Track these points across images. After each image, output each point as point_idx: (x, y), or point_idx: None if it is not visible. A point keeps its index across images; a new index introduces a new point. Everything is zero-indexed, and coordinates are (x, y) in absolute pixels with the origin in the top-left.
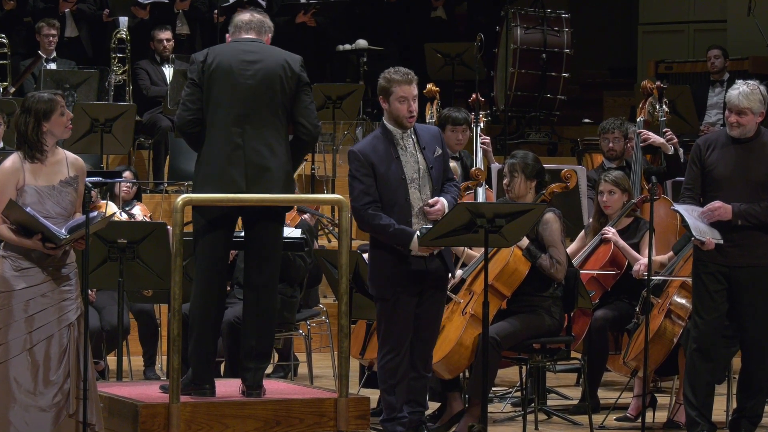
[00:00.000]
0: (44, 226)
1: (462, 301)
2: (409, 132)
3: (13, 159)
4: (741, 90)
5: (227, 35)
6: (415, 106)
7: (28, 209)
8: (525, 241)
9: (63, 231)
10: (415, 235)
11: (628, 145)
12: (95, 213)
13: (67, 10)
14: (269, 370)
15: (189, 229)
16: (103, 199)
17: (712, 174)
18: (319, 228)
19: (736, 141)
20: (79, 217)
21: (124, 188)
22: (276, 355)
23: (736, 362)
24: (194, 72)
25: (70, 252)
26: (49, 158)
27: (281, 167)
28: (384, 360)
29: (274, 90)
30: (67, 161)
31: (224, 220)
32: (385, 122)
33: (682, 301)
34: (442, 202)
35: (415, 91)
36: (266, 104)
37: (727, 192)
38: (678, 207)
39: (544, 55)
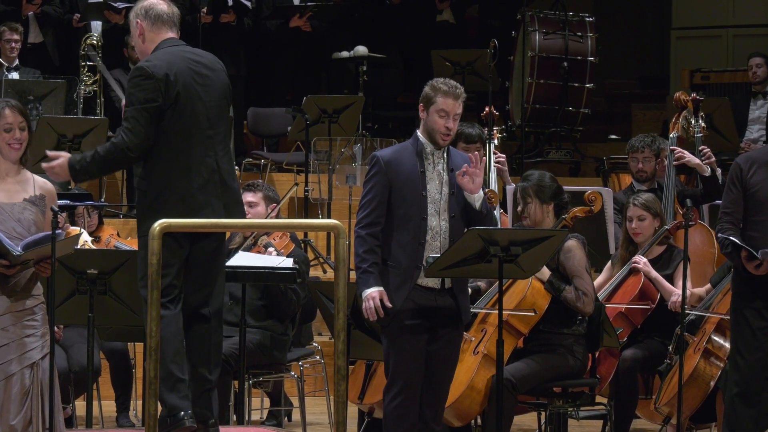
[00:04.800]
0: None
1: (474, 338)
2: (441, 150)
3: None
4: None
5: (139, 22)
6: (454, 125)
7: None
8: (546, 272)
9: (18, 247)
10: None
11: (660, 164)
12: (59, 231)
13: (31, 13)
14: (259, 415)
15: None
16: (73, 225)
17: (756, 197)
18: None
19: None
20: (39, 234)
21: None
22: (267, 400)
23: None
24: (155, 91)
25: (36, 283)
26: (11, 176)
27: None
28: (392, 403)
29: (227, 103)
30: (34, 183)
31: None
32: (418, 133)
33: (721, 339)
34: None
35: (459, 110)
36: (225, 118)
37: None
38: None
39: (565, 64)
